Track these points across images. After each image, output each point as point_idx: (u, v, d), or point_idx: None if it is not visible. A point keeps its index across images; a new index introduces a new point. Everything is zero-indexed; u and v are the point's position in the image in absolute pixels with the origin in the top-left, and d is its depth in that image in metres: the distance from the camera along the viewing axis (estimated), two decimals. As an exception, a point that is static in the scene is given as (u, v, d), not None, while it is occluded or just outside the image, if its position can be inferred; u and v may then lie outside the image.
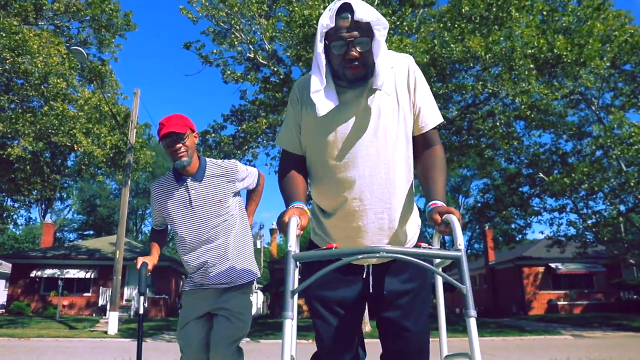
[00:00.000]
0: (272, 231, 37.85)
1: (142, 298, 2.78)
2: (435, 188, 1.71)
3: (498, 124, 17.01)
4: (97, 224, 53.61)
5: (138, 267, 2.72)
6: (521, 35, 15.29)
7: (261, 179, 3.04)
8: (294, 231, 1.52)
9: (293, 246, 1.49)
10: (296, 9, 14.77)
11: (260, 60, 17.89)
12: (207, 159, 2.83)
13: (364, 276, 1.86)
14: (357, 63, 1.67)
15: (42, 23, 18.05)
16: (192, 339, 2.71)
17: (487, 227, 31.33)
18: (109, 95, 19.23)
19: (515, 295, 28.97)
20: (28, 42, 14.44)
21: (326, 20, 1.66)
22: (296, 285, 1.47)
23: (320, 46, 1.69)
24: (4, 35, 14.40)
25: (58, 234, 47.39)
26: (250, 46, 17.95)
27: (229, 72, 18.06)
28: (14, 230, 44.22)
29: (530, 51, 15.04)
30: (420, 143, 1.84)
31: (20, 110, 16.59)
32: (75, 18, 18.29)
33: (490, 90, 15.85)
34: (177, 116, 2.72)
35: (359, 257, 1.37)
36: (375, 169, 1.75)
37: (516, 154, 21.26)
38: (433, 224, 1.57)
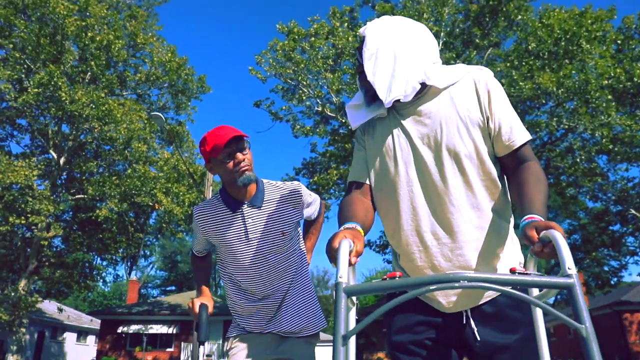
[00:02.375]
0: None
1: (201, 348, 2.18)
2: (530, 201, 1.39)
3: (578, 160, 16.16)
4: (179, 279, 55.51)
5: (196, 310, 2.15)
6: (595, 66, 14.67)
7: (323, 208, 2.54)
8: (345, 257, 1.21)
9: (344, 276, 1.15)
10: (359, 60, 15.07)
11: (329, 113, 18.28)
12: (264, 180, 2.30)
13: (464, 321, 1.54)
14: (364, 75, 1.62)
15: (126, 93, 19.59)
16: None
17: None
18: (186, 155, 20.28)
19: (618, 345, 26.44)
20: (113, 111, 15.67)
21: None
22: (352, 328, 1.16)
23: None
24: (93, 107, 15.73)
25: (142, 291, 49.45)
26: (318, 100, 18.43)
27: (298, 126, 18.57)
28: (102, 287, 46.66)
29: (606, 82, 14.36)
30: (510, 164, 1.56)
31: (107, 174, 17.83)
32: (154, 86, 19.72)
33: (567, 126, 15.18)
34: (229, 127, 2.15)
35: (431, 288, 1.04)
36: (441, 198, 1.52)
37: (601, 190, 19.96)
38: (528, 243, 1.26)
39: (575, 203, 20.13)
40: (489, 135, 1.56)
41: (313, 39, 17.52)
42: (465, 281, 1.03)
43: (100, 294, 50.65)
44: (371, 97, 1.63)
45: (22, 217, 15.41)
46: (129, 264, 47.68)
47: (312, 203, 2.38)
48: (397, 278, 1.12)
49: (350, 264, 1.24)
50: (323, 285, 53.39)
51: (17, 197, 15.37)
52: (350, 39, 17.04)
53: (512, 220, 1.63)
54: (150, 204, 18.02)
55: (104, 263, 23.37)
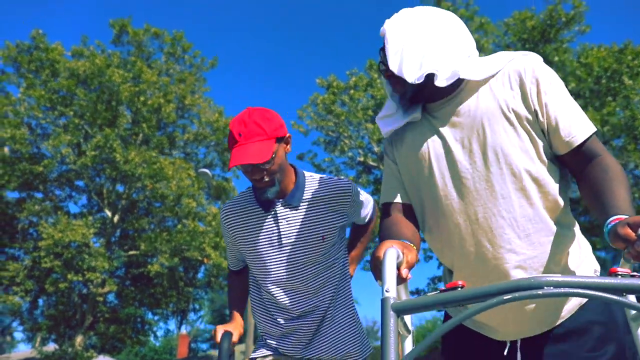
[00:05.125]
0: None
1: None
2: (611, 200, 1.14)
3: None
4: (227, 333, 55.24)
5: (218, 339, 1.82)
6: (640, 102, 14.41)
7: (376, 212, 2.15)
8: (392, 267, 0.95)
9: (392, 290, 0.90)
10: (398, 109, 15.34)
11: (371, 163, 18.47)
12: (306, 173, 1.95)
13: (505, 352, 1.31)
14: (389, 73, 1.39)
15: (175, 152, 20.49)
16: None
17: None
18: (233, 209, 20.75)
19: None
20: (164, 169, 16.41)
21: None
22: (405, 353, 0.96)
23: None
24: (145, 166, 16.53)
25: (192, 345, 49.51)
26: (360, 150, 18.68)
27: (341, 177, 18.78)
28: (154, 342, 47.00)
29: (654, 117, 14.03)
30: (575, 163, 1.29)
31: (158, 230, 18.45)
32: (202, 144, 20.56)
33: (616, 164, 14.79)
34: (253, 124, 1.72)
35: (505, 297, 0.77)
36: (491, 208, 1.26)
37: (660, 229, 19.00)
38: (621, 245, 1.01)
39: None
40: (542, 131, 1.30)
41: (352, 91, 18.01)
42: (552, 287, 0.74)
43: (152, 349, 50.95)
44: (409, 100, 1.39)
45: (80, 274, 16.05)
46: (179, 318, 48.09)
47: (363, 205, 2.01)
48: (459, 288, 0.85)
49: (400, 279, 1.02)
50: (373, 335, 51.94)
51: (74, 255, 16.07)
52: (388, 89, 17.39)
53: (576, 223, 1.38)
54: (199, 258, 18.40)
55: (156, 317, 23.75)
